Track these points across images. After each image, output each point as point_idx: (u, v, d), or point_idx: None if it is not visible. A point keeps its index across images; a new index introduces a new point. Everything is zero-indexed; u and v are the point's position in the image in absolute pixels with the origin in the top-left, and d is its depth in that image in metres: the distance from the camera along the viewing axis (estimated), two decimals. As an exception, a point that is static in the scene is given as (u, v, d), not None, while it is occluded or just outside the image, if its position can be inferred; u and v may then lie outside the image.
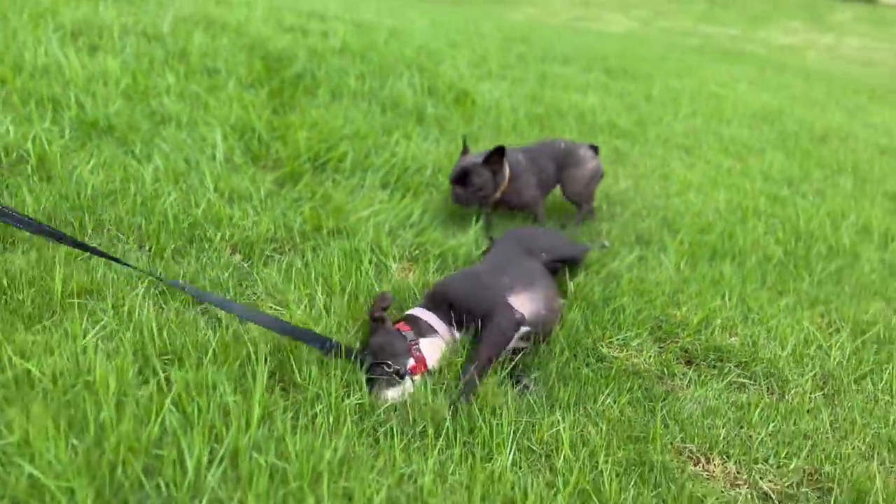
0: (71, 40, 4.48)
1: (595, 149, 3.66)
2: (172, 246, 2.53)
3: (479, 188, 3.26)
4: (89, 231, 2.53)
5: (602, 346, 2.45)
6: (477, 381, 2.06)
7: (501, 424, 1.93)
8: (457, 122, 4.95)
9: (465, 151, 3.45)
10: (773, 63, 13.57)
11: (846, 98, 9.68)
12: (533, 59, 8.20)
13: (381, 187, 3.60)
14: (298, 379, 1.95)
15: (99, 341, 1.91)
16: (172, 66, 4.53)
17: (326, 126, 4.17)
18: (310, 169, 3.57)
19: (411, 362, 2.10)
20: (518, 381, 2.19)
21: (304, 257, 2.67)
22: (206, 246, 2.62)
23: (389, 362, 2.03)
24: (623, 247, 3.37)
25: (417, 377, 2.09)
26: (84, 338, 1.90)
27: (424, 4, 16.49)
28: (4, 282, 2.10)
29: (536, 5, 21.33)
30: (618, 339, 2.52)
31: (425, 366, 2.14)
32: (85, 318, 1.97)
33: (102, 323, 1.97)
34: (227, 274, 2.44)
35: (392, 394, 2.00)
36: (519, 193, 3.41)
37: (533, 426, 2.00)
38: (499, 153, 3.26)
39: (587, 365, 2.33)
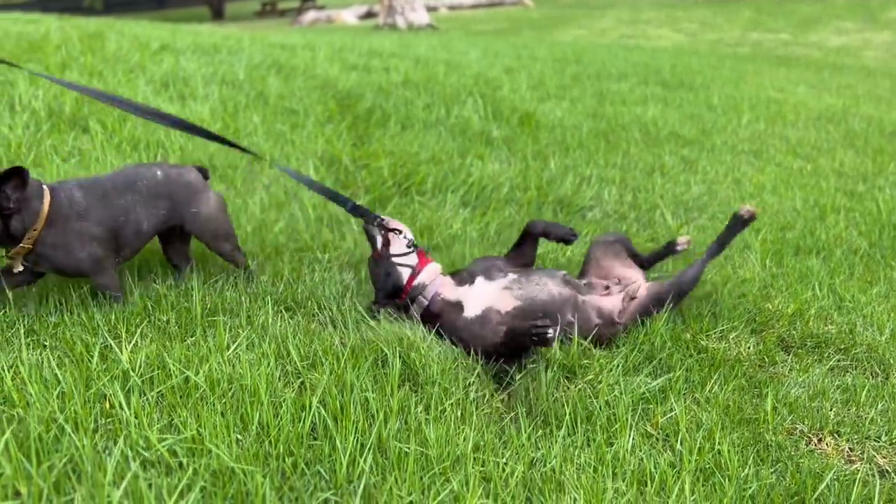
0: (162, 91, 4.83)
1: (205, 173, 2.60)
2: (289, 267, 2.73)
3: None
4: (210, 258, 2.74)
5: (702, 338, 2.53)
6: None
7: (617, 412, 2.04)
8: (524, 142, 5.11)
9: None
10: (830, 65, 13.38)
11: (912, 93, 9.49)
12: (588, 77, 8.34)
13: (462, 206, 3.76)
14: (422, 377, 2.10)
15: (241, 352, 2.09)
16: (255, 108, 4.82)
17: (403, 153, 4.38)
18: (396, 193, 3.76)
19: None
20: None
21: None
22: (317, 267, 2.81)
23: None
24: (704, 247, 3.43)
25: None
26: (228, 349, 2.09)
27: (470, 38, 16.84)
28: (150, 305, 2.32)
29: (583, 27, 21.51)
30: (716, 332, 2.59)
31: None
32: (226, 333, 2.16)
33: (245, 334, 2.16)
34: (341, 289, 2.62)
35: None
36: (65, 249, 2.23)
37: (646, 413, 2.10)
38: (19, 175, 2.09)
39: (690, 356, 2.41)
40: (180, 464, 1.64)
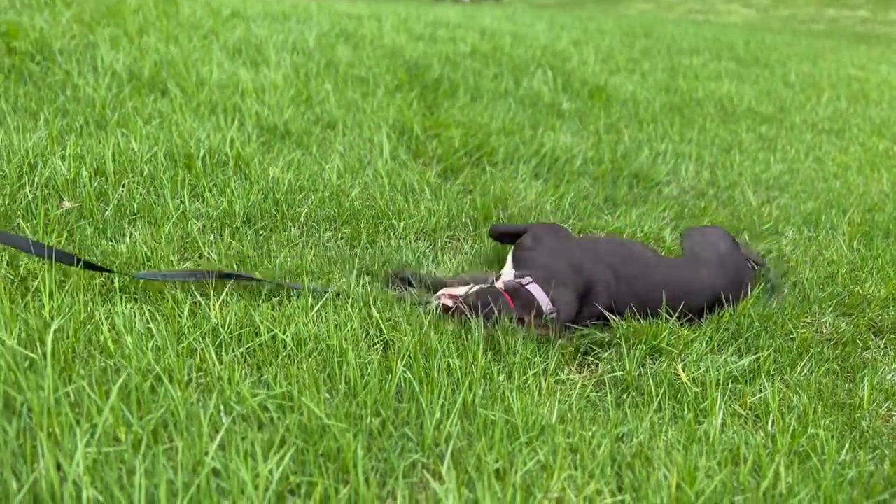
0: (236, 56, 4.87)
1: None
2: (366, 233, 2.73)
3: None
4: (289, 221, 2.76)
5: (790, 321, 2.44)
6: None
7: (707, 390, 1.98)
8: (596, 114, 5.00)
9: None
10: (913, 43, 12.75)
11: None
12: (658, 52, 8.11)
13: (534, 177, 3.71)
14: (503, 347, 2.08)
15: (326, 313, 2.10)
16: (326, 76, 4.83)
17: (474, 123, 4.33)
18: (467, 163, 3.73)
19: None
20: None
21: (483, 242, 2.81)
22: (392, 234, 2.80)
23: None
24: (789, 227, 3.32)
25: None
26: (313, 310, 2.11)
27: (535, 10, 16.56)
28: (235, 265, 2.35)
29: (649, 1, 20.93)
30: (805, 315, 2.50)
31: None
32: (310, 294, 2.18)
33: (328, 296, 2.17)
34: (418, 256, 2.62)
35: None
36: None
37: (734, 392, 2.04)
38: None
39: (777, 338, 2.33)
40: (272, 419, 1.66)
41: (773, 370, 2.15)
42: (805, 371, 2.17)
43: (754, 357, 2.18)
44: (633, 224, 3.10)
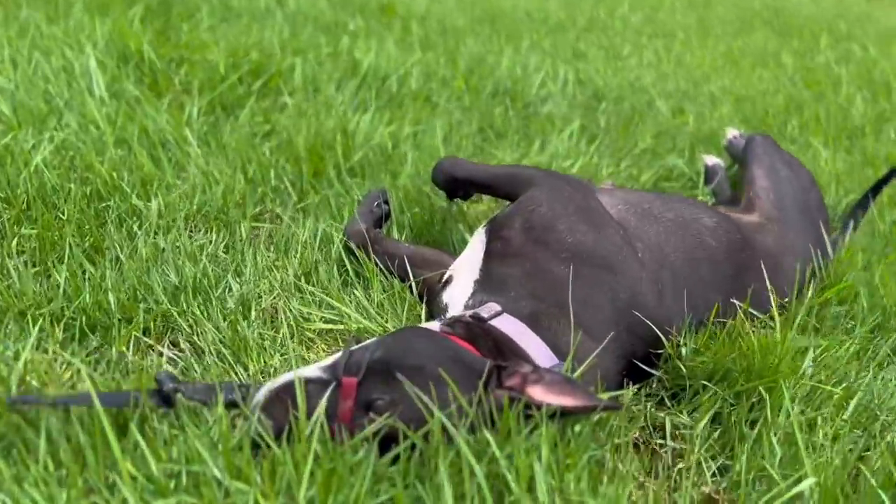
0: None
1: None
2: (72, 234, 1.21)
3: None
4: None
5: None
6: None
7: None
8: (400, 31, 3.73)
9: None
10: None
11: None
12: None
13: (360, 108, 2.36)
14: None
15: None
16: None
17: (239, 44, 2.84)
18: (248, 93, 2.28)
19: None
20: None
21: (333, 209, 1.44)
22: (136, 226, 1.32)
23: None
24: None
25: None
26: None
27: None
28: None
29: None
30: None
31: None
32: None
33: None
34: (197, 270, 1.17)
35: None
36: None
37: None
38: None
39: None
40: None
41: None
42: None
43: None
44: (548, 161, 1.90)
